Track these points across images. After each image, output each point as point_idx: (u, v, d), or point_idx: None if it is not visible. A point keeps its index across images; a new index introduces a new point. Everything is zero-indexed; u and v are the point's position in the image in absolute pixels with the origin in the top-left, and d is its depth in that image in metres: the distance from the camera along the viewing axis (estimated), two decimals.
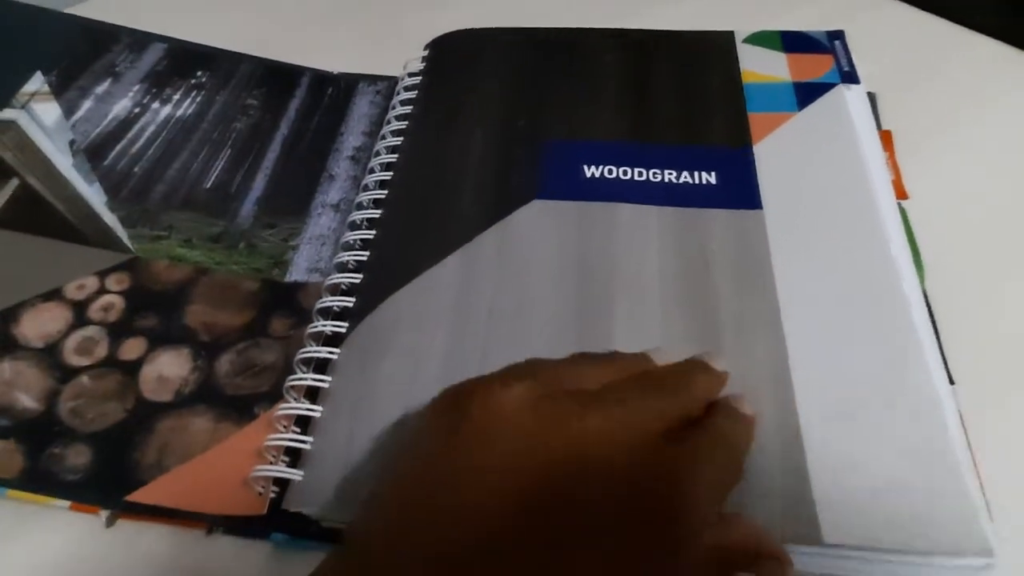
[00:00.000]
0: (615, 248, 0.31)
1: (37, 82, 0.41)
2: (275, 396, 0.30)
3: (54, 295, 0.33)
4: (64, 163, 0.38)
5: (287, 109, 0.42)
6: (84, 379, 0.30)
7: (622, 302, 0.30)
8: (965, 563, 0.23)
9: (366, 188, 0.36)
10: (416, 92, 0.40)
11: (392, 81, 0.43)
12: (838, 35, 0.40)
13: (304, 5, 0.49)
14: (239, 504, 0.27)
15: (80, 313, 0.32)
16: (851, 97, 0.36)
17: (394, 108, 0.40)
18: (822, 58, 0.39)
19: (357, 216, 0.35)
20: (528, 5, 0.46)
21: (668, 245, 0.31)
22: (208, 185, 0.38)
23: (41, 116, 0.39)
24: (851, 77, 0.37)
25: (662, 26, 0.41)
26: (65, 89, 0.41)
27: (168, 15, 0.46)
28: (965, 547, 0.23)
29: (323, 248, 0.35)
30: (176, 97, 0.42)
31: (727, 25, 0.41)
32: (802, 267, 0.30)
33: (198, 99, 0.42)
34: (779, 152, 0.34)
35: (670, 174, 0.34)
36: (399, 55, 0.43)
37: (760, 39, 0.40)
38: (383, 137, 0.38)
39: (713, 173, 0.34)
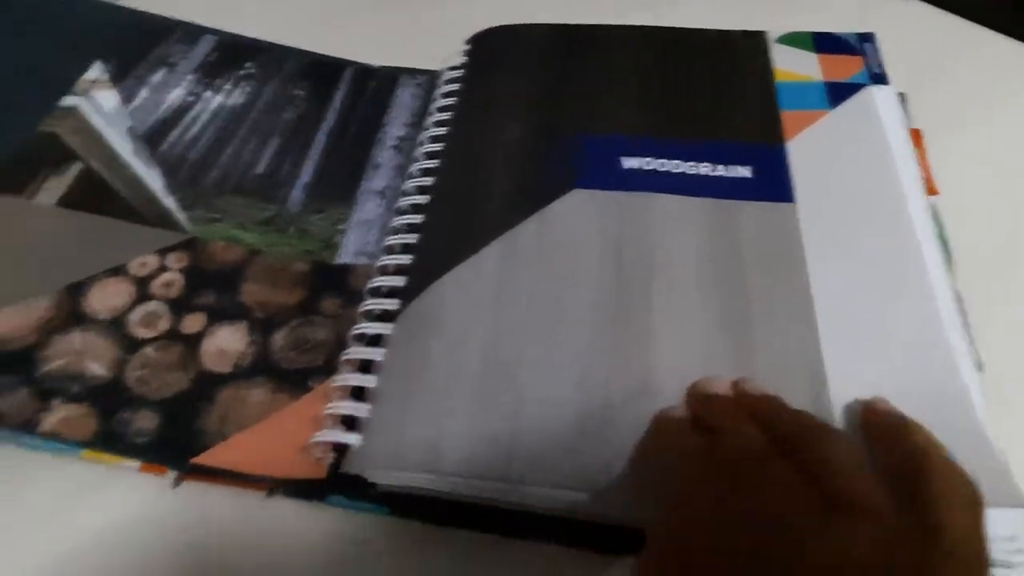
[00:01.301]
0: (652, 237, 0.33)
1: (96, 71, 0.43)
2: (328, 370, 0.32)
3: (119, 271, 0.34)
4: (124, 148, 0.39)
5: (332, 100, 0.43)
6: (149, 350, 0.32)
7: (659, 290, 0.31)
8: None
9: (411, 176, 0.38)
10: (458, 85, 0.41)
11: (431, 75, 0.44)
12: (868, 37, 0.41)
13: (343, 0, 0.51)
14: (299, 468, 0.28)
15: (143, 289, 0.34)
16: (881, 98, 0.38)
17: (436, 100, 0.41)
18: (852, 59, 0.40)
19: (404, 202, 0.36)
20: None
21: (704, 235, 0.33)
22: (259, 171, 0.40)
23: (101, 103, 0.41)
24: (880, 78, 0.39)
25: (695, 17, 0.43)
26: (123, 78, 0.43)
27: (216, 8, 0.48)
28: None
29: (370, 233, 0.37)
30: (227, 87, 0.43)
31: (747, 22, 0.42)
32: (833, 258, 0.32)
33: (247, 90, 0.43)
34: (811, 149, 0.36)
35: (706, 167, 0.35)
36: (436, 49, 0.44)
37: (792, 40, 0.41)
38: (426, 128, 0.40)
39: (747, 167, 0.35)
